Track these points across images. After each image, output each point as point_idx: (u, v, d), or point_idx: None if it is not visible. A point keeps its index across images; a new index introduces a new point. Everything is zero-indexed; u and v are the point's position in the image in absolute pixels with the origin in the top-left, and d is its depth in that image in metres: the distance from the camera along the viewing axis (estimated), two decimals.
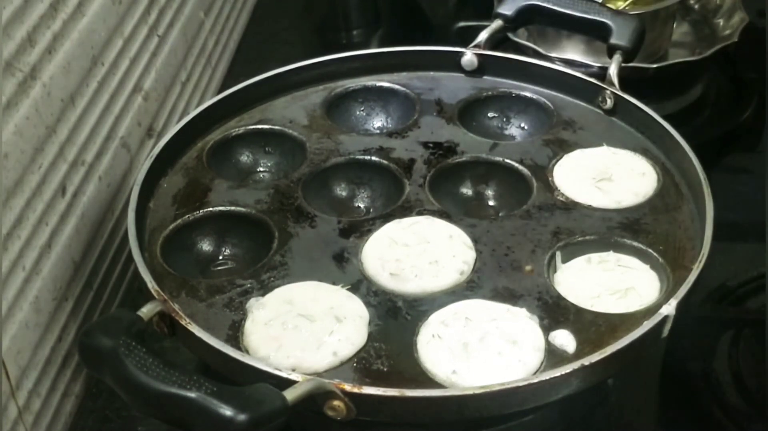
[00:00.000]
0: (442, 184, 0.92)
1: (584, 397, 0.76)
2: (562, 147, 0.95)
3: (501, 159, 0.94)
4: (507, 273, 0.81)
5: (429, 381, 0.72)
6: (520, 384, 0.69)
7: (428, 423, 0.74)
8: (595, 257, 0.82)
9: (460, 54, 1.05)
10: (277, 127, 0.98)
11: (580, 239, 0.84)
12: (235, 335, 0.76)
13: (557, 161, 0.93)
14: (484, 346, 0.73)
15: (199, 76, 1.22)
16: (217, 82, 1.30)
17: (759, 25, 1.23)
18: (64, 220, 0.85)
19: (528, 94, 1.03)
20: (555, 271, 0.82)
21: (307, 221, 0.87)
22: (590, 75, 1.01)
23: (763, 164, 1.12)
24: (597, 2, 1.05)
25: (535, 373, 0.72)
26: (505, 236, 0.85)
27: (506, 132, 1.02)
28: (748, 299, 0.95)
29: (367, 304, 0.78)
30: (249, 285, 0.80)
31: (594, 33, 1.03)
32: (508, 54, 1.06)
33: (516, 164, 0.93)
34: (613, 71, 0.98)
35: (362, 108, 1.04)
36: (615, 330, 0.75)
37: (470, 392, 0.69)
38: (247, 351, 0.74)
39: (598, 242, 0.84)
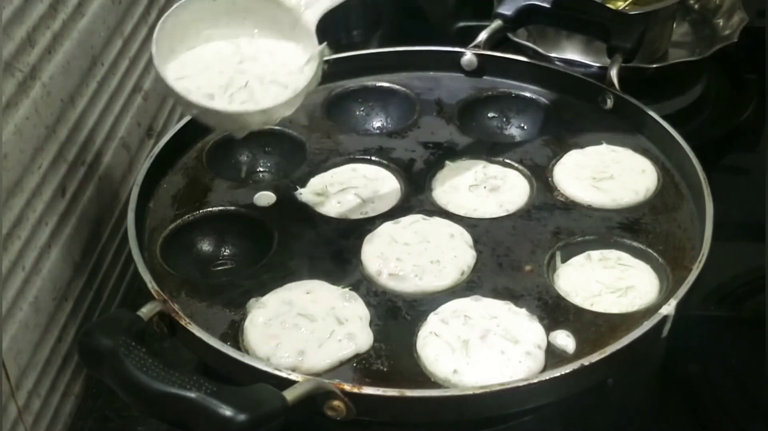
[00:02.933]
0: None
1: (584, 397, 0.76)
2: (562, 147, 0.95)
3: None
4: (507, 273, 0.81)
5: (429, 381, 0.72)
6: (520, 384, 0.69)
7: (428, 423, 0.74)
8: (595, 254, 0.82)
9: (460, 54, 1.05)
10: (277, 127, 0.98)
11: (579, 239, 0.84)
12: (234, 335, 0.76)
13: (557, 160, 0.93)
14: (485, 344, 0.73)
15: None
16: None
17: (759, 25, 1.22)
18: (63, 220, 0.85)
19: (528, 94, 1.03)
20: (555, 271, 0.82)
21: (307, 221, 0.87)
22: (590, 75, 1.02)
23: (763, 164, 1.12)
24: (597, 2, 1.05)
25: (535, 373, 0.72)
26: (505, 236, 0.85)
27: (506, 132, 1.02)
28: (748, 299, 0.95)
29: (367, 304, 0.78)
30: (249, 285, 0.80)
31: (594, 33, 1.03)
32: (507, 54, 1.06)
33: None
34: (613, 71, 0.98)
35: (362, 108, 1.04)
36: (615, 329, 0.75)
37: (470, 392, 0.69)
38: (246, 351, 0.74)
39: (598, 242, 0.84)
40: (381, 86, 1.04)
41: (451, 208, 0.89)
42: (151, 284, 0.76)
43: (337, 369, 0.73)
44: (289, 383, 0.67)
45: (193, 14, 0.80)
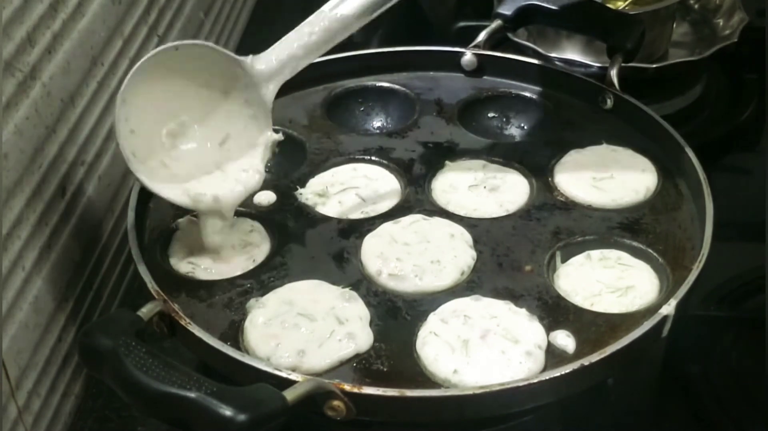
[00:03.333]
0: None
1: (584, 397, 0.76)
2: (562, 147, 0.95)
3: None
4: (507, 273, 0.81)
5: (429, 381, 0.72)
6: (520, 384, 0.69)
7: (428, 423, 0.74)
8: (595, 253, 0.82)
9: (460, 54, 1.05)
10: (277, 127, 0.98)
11: (579, 239, 0.84)
12: (234, 335, 0.76)
13: (557, 161, 0.93)
14: (485, 344, 0.73)
15: None
16: None
17: (759, 25, 1.22)
18: (64, 220, 0.85)
19: (528, 94, 1.03)
20: (555, 271, 0.82)
21: (307, 221, 0.87)
22: (590, 75, 1.02)
23: (763, 164, 1.12)
24: (597, 2, 1.05)
25: (536, 373, 0.72)
26: (505, 236, 0.85)
27: (506, 132, 1.02)
28: (748, 299, 0.95)
29: (367, 304, 0.78)
30: (249, 285, 0.80)
31: (594, 33, 1.03)
32: (507, 54, 1.06)
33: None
34: (613, 71, 0.98)
35: (362, 108, 1.04)
36: (615, 329, 0.75)
37: (470, 392, 0.69)
38: (246, 351, 0.74)
39: (598, 242, 0.84)
40: (381, 86, 1.04)
41: (451, 208, 0.89)
42: (151, 284, 0.76)
43: (337, 369, 0.73)
44: (289, 383, 0.67)
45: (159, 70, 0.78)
